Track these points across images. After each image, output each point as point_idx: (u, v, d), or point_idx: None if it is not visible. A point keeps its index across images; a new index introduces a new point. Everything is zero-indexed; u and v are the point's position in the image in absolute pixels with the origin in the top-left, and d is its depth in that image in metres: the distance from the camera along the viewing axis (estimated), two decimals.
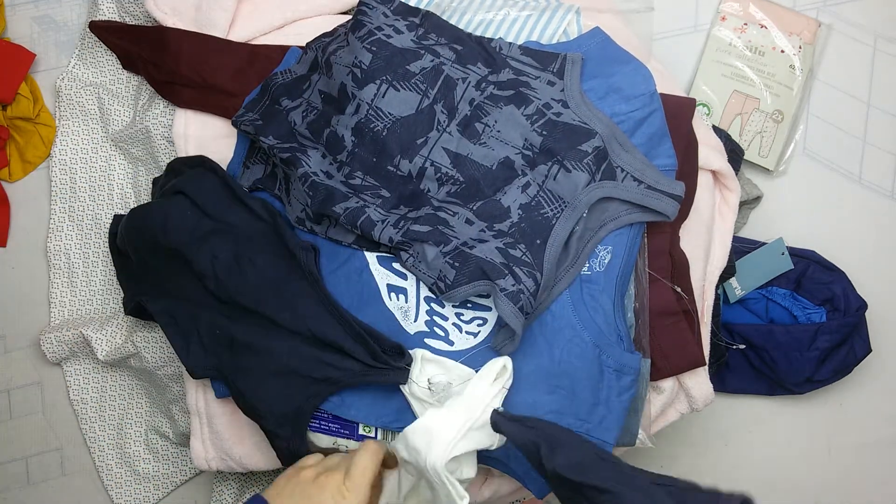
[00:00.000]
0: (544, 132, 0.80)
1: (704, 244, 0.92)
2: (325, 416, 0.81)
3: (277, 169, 0.86)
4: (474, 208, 0.80)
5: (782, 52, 1.12)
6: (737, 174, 0.97)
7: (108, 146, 1.06)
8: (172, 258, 0.83)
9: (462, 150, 0.80)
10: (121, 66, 1.04)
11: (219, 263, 0.81)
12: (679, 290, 0.87)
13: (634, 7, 0.96)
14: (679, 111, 0.86)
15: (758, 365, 1.10)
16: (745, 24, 1.13)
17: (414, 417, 0.78)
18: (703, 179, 0.91)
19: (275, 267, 0.81)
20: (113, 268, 1.02)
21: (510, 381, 0.75)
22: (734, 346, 1.08)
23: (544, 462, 0.61)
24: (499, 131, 0.80)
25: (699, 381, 0.90)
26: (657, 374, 0.86)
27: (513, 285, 0.73)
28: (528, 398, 0.77)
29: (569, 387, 0.78)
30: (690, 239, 0.90)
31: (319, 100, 0.84)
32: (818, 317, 1.08)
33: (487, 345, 0.79)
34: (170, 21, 0.94)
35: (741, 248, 1.08)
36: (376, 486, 0.74)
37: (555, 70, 0.83)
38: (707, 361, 0.90)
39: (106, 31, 1.02)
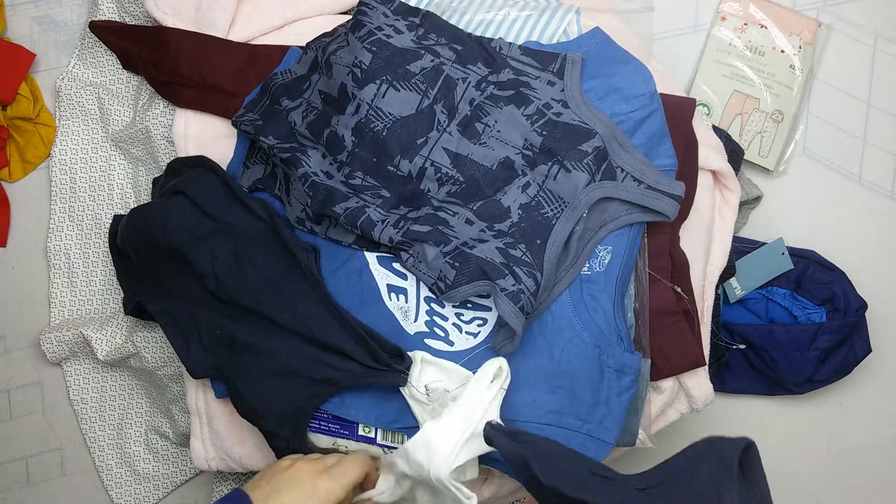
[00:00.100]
0: (544, 132, 0.80)
1: (704, 244, 0.92)
2: (325, 416, 0.81)
3: (277, 169, 0.86)
4: (474, 208, 0.80)
5: (782, 52, 1.12)
6: (737, 174, 0.97)
7: (108, 146, 1.06)
8: (172, 258, 0.83)
9: (462, 150, 0.80)
10: (121, 66, 1.04)
11: (219, 263, 0.81)
12: (679, 290, 0.87)
13: (634, 7, 0.96)
14: (679, 111, 0.86)
15: (758, 365, 1.10)
16: (745, 24, 1.13)
17: (413, 418, 0.78)
18: (703, 179, 0.91)
19: (275, 267, 0.81)
20: (113, 268, 1.02)
21: (508, 382, 0.75)
22: (734, 346, 1.08)
23: (540, 478, 0.61)
24: (499, 131, 0.80)
25: (699, 381, 0.90)
26: (657, 374, 0.86)
27: (513, 285, 0.73)
28: (527, 398, 0.77)
29: (569, 387, 0.78)
30: (690, 239, 0.90)
31: (319, 100, 0.84)
32: (818, 317, 1.08)
33: (487, 345, 0.79)
34: (170, 21, 0.94)
35: (741, 248, 1.08)
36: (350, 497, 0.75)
37: (555, 70, 0.83)
38: (707, 361, 0.90)
39: (106, 31, 1.02)
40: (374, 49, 0.81)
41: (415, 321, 0.80)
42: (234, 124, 0.86)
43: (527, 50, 0.84)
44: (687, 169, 0.86)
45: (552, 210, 0.78)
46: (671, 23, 1.15)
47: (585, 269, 0.81)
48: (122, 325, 1.02)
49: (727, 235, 0.94)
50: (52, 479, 1.10)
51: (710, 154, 0.91)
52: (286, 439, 0.80)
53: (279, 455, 0.82)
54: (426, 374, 0.77)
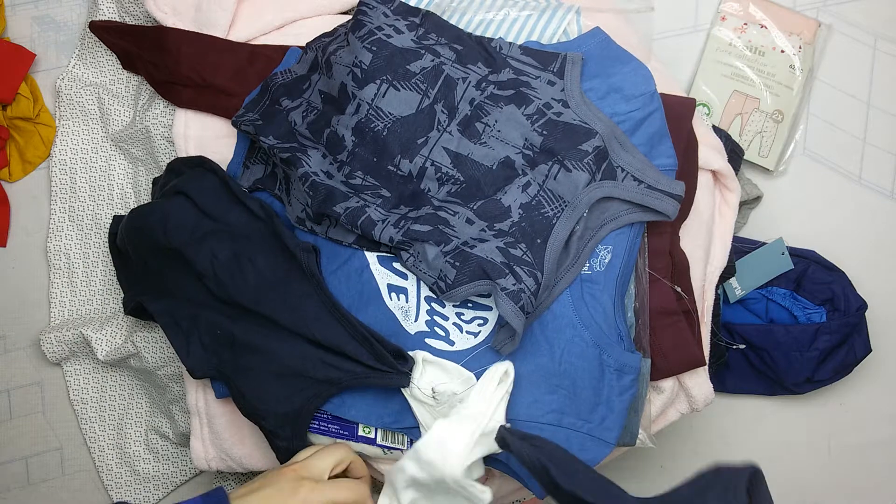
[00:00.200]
0: (545, 132, 0.80)
1: (704, 244, 0.92)
2: (325, 416, 0.81)
3: (277, 169, 0.86)
4: (475, 208, 0.80)
5: (782, 52, 1.12)
6: (737, 174, 0.97)
7: (108, 146, 1.06)
8: (173, 258, 0.83)
9: (462, 150, 0.80)
10: (121, 66, 1.04)
11: (218, 263, 0.81)
12: (679, 290, 0.87)
13: (634, 7, 0.95)
14: (679, 111, 0.86)
15: (758, 365, 1.10)
16: (745, 24, 1.13)
17: (413, 419, 0.78)
18: (703, 179, 0.91)
19: (274, 267, 0.81)
20: (113, 268, 1.02)
21: (511, 387, 0.75)
22: (734, 346, 1.08)
23: (559, 483, 0.61)
24: (499, 131, 0.80)
25: (699, 381, 0.90)
26: (657, 374, 0.86)
27: (513, 284, 0.73)
28: (528, 397, 0.77)
29: (570, 386, 0.78)
30: (690, 239, 0.90)
31: (319, 100, 0.84)
32: (818, 317, 1.08)
33: (488, 345, 0.79)
34: (170, 21, 0.94)
35: (741, 248, 1.08)
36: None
37: (555, 70, 0.83)
38: (707, 361, 0.90)
39: (106, 31, 1.02)
40: (375, 49, 0.81)
41: (415, 321, 0.80)
42: (234, 124, 0.86)
43: (527, 50, 0.84)
44: (687, 169, 0.86)
45: (552, 209, 0.78)
46: (671, 23, 1.15)
47: (586, 268, 0.81)
48: (121, 325, 1.02)
49: (727, 235, 0.94)
50: (52, 479, 1.10)
51: (710, 154, 0.91)
52: (286, 440, 0.80)
53: (280, 456, 0.82)
54: (427, 374, 0.77)
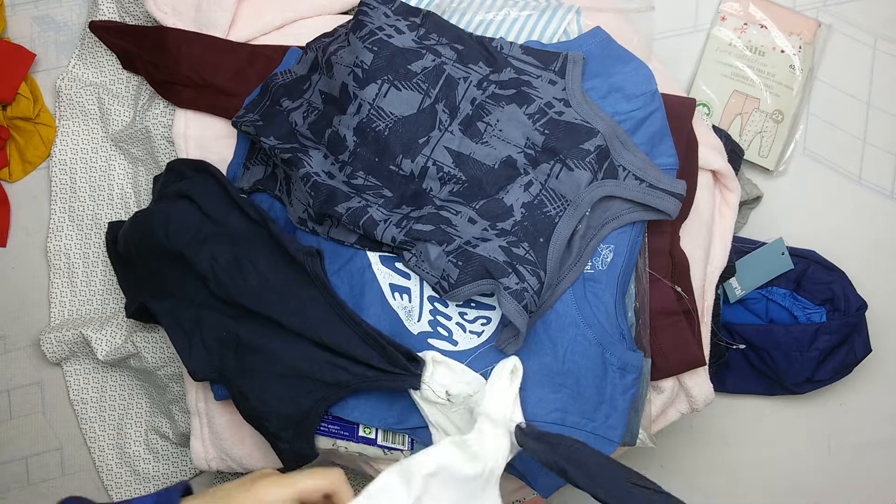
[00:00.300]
0: (546, 131, 0.80)
1: (704, 244, 0.92)
2: (327, 417, 0.81)
3: (278, 170, 0.86)
4: (477, 207, 0.80)
5: (782, 52, 1.12)
6: (737, 174, 0.97)
7: (108, 146, 1.06)
8: (175, 261, 0.83)
9: (464, 150, 0.80)
10: (121, 66, 1.04)
11: (219, 266, 0.80)
12: (679, 289, 0.87)
13: (635, 6, 0.96)
14: (679, 111, 0.86)
15: (758, 365, 1.10)
16: (745, 24, 1.13)
17: (418, 419, 0.78)
18: (704, 179, 0.91)
19: (276, 269, 0.80)
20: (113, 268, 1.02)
21: (519, 382, 0.74)
22: (734, 346, 1.08)
23: (578, 483, 0.61)
24: (501, 130, 0.80)
25: (699, 381, 0.90)
26: (657, 373, 0.86)
27: (517, 283, 0.73)
28: (532, 396, 0.77)
29: (573, 385, 0.78)
30: (690, 239, 0.90)
31: (320, 100, 0.84)
32: (818, 317, 1.08)
33: (491, 344, 0.79)
34: (170, 21, 0.94)
35: (741, 248, 1.08)
36: None
37: (556, 69, 0.83)
38: (707, 361, 0.90)
39: (106, 31, 1.02)
40: (376, 49, 0.81)
41: (418, 321, 0.80)
42: (235, 125, 0.86)
43: (528, 49, 0.84)
44: (687, 169, 0.87)
45: (555, 208, 0.78)
46: (671, 22, 1.15)
47: (588, 267, 0.81)
48: (121, 325, 1.02)
49: (727, 235, 0.94)
50: (52, 479, 1.10)
51: (710, 154, 0.91)
52: (289, 442, 0.80)
53: (283, 458, 0.82)
54: (438, 375, 0.77)
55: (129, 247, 0.88)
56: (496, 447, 0.67)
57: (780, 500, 1.17)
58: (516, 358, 0.74)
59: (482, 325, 0.79)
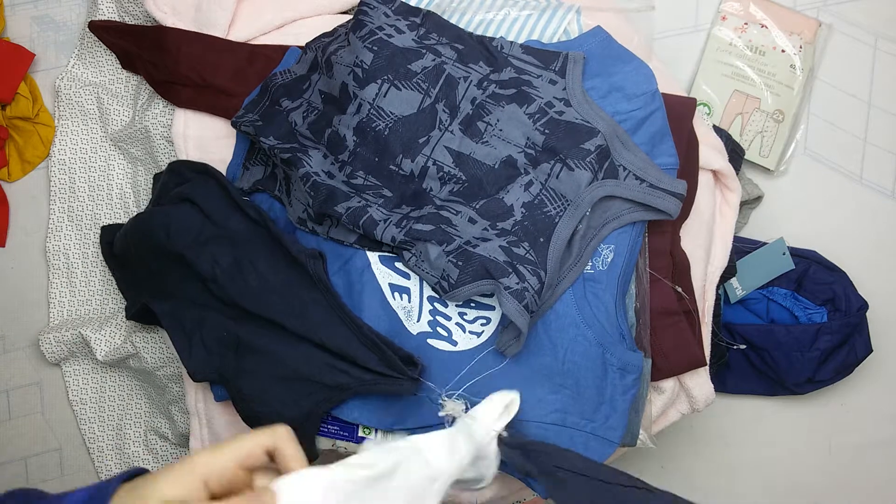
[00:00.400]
0: (546, 130, 0.79)
1: (705, 244, 0.92)
2: (326, 418, 0.81)
3: (277, 170, 0.86)
4: (477, 207, 0.79)
5: (783, 51, 1.12)
6: (737, 174, 0.97)
7: (107, 146, 1.06)
8: (177, 262, 0.82)
9: (464, 149, 0.80)
10: (120, 66, 1.04)
11: (219, 267, 0.80)
12: (680, 290, 0.87)
13: (635, 6, 0.95)
14: (679, 111, 0.86)
15: (758, 365, 1.10)
16: (746, 23, 1.13)
17: (417, 419, 0.78)
18: (704, 179, 0.91)
19: (278, 271, 0.80)
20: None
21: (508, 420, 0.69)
22: (735, 347, 1.08)
23: (553, 497, 0.61)
24: (501, 130, 0.80)
25: (700, 382, 0.90)
26: (658, 374, 0.86)
27: (517, 283, 0.73)
28: (532, 396, 0.77)
29: (573, 386, 0.78)
30: (691, 239, 0.90)
31: (320, 100, 0.84)
32: (819, 317, 1.08)
33: (492, 347, 0.78)
34: (170, 21, 0.94)
35: (742, 248, 1.08)
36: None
37: (556, 69, 0.83)
38: (708, 362, 0.90)
39: (105, 31, 1.02)
40: (376, 48, 0.81)
41: (417, 321, 0.79)
42: (234, 125, 0.86)
43: (528, 49, 0.84)
44: (688, 168, 0.86)
45: (555, 208, 0.78)
46: (672, 22, 1.15)
47: (588, 267, 0.81)
48: (121, 326, 1.01)
49: (728, 235, 0.94)
50: (52, 479, 1.09)
51: (711, 154, 0.91)
52: None
53: None
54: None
55: (128, 247, 0.88)
56: (454, 460, 0.62)
57: (781, 500, 1.17)
58: (517, 394, 0.69)
59: (482, 325, 0.79)
